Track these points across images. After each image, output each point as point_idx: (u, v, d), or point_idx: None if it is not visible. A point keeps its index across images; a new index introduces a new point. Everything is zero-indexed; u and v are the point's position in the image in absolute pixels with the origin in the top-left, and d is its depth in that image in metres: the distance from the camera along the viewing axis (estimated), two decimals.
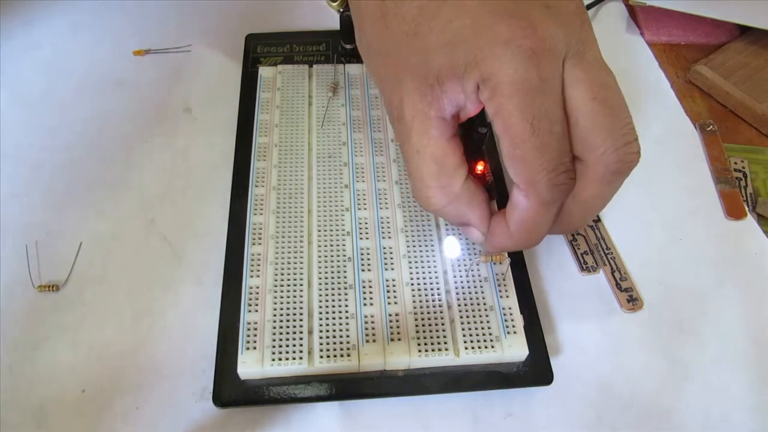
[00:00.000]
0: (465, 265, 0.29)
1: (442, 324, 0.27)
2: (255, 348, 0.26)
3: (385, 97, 0.25)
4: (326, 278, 0.28)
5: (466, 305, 0.27)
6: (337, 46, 0.39)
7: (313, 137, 0.33)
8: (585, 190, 0.22)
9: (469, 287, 0.28)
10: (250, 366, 0.26)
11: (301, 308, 0.27)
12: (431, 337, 0.27)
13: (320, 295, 0.28)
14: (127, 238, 0.31)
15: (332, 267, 0.28)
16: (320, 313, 0.27)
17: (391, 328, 0.27)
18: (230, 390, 0.26)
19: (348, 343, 0.26)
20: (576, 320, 0.30)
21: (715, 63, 0.40)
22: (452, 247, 0.29)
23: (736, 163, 0.36)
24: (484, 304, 0.28)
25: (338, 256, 0.29)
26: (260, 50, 0.38)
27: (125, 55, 0.39)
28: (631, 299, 0.30)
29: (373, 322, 0.27)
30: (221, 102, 0.37)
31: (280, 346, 0.26)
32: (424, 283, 0.28)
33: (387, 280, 0.28)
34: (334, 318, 0.27)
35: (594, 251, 0.32)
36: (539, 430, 0.27)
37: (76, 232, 0.31)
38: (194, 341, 0.28)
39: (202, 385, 0.27)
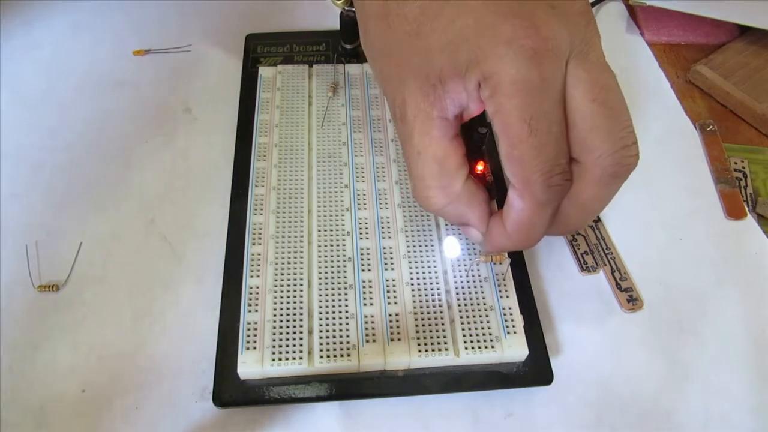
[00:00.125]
0: (465, 265, 0.29)
1: (442, 324, 0.27)
2: (255, 348, 0.26)
3: (388, 96, 0.25)
4: (326, 278, 0.28)
5: (466, 305, 0.27)
6: (337, 46, 0.39)
7: (313, 137, 0.33)
8: (582, 192, 0.22)
9: (469, 287, 0.28)
10: (250, 366, 0.26)
11: (301, 308, 0.27)
12: (431, 337, 0.27)
13: (320, 295, 0.28)
14: (127, 238, 0.31)
15: (332, 267, 0.28)
16: (320, 313, 0.27)
17: (391, 328, 0.27)
18: (230, 390, 0.26)
19: (348, 343, 0.26)
20: (576, 320, 0.30)
21: (715, 63, 0.40)
22: (452, 247, 0.29)
23: (736, 163, 0.36)
24: (484, 304, 0.28)
25: (338, 256, 0.29)
26: (260, 50, 0.38)
27: (125, 55, 0.39)
28: (631, 299, 0.30)
29: (373, 322, 0.27)
30: (221, 102, 0.37)
31: (280, 346, 0.26)
32: (424, 283, 0.28)
33: (387, 280, 0.28)
34: (334, 318, 0.27)
35: (594, 251, 0.32)
36: (539, 430, 0.27)
37: (76, 232, 0.31)
38: (194, 341, 0.28)
39: (202, 385, 0.27)
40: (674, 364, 0.28)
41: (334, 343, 0.26)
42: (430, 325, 0.27)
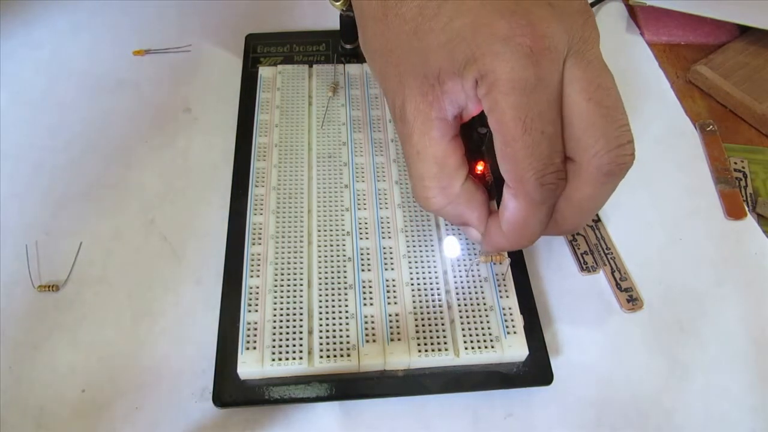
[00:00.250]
0: (465, 265, 0.29)
1: (442, 324, 0.27)
2: (255, 348, 0.26)
3: (388, 97, 0.25)
4: (326, 278, 0.28)
5: (466, 305, 0.27)
6: (337, 46, 0.39)
7: (313, 137, 0.33)
8: (578, 191, 0.22)
9: (469, 287, 0.28)
10: (250, 366, 0.26)
11: (301, 308, 0.27)
12: (431, 337, 0.27)
13: (320, 295, 0.28)
14: (127, 238, 0.31)
15: (332, 267, 0.28)
16: (320, 313, 0.27)
17: (391, 328, 0.27)
18: (230, 390, 0.26)
19: (348, 343, 0.26)
20: (576, 320, 0.30)
21: (715, 63, 0.40)
22: (452, 247, 0.29)
23: (736, 163, 0.36)
24: (484, 304, 0.28)
25: (338, 256, 0.29)
26: (260, 50, 0.38)
27: (125, 55, 0.39)
28: (631, 299, 0.30)
29: (373, 322, 0.27)
30: (221, 102, 0.37)
31: (280, 346, 0.26)
32: (424, 283, 0.28)
33: (387, 280, 0.28)
34: (334, 318, 0.27)
35: (594, 251, 0.32)
36: (539, 430, 0.27)
37: (76, 232, 0.31)
38: (194, 341, 0.28)
39: (202, 385, 0.27)
40: (674, 364, 0.28)
41: (334, 343, 0.26)
42: (430, 325, 0.27)
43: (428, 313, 0.27)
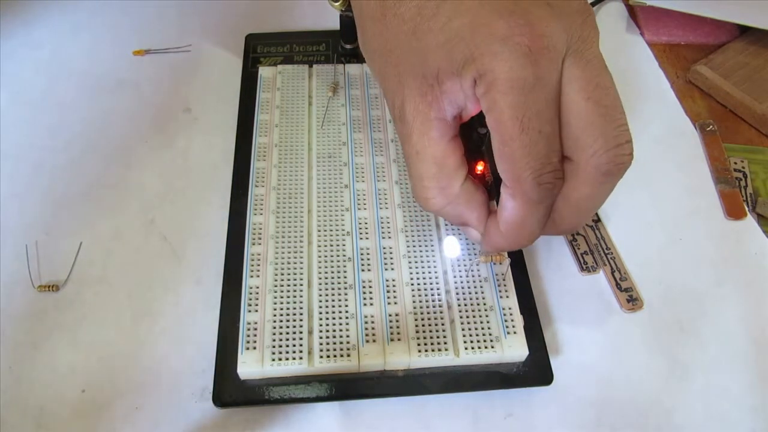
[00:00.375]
0: (465, 265, 0.29)
1: (442, 324, 0.27)
2: (255, 348, 0.26)
3: (387, 97, 0.25)
4: (326, 278, 0.28)
5: (466, 305, 0.27)
6: (337, 46, 0.39)
7: (313, 137, 0.33)
8: (576, 191, 0.22)
9: (469, 287, 0.28)
10: (250, 366, 0.26)
11: (301, 308, 0.27)
12: (431, 337, 0.27)
13: (320, 295, 0.28)
14: (127, 238, 0.31)
15: (332, 267, 0.28)
16: (320, 313, 0.27)
17: (391, 328, 0.27)
18: (230, 390, 0.26)
19: (348, 343, 0.26)
20: (576, 320, 0.30)
21: (715, 63, 0.40)
22: (452, 247, 0.29)
23: (736, 163, 0.36)
24: (484, 304, 0.28)
25: (338, 256, 0.29)
26: (260, 50, 0.38)
27: (125, 55, 0.39)
28: (631, 299, 0.30)
29: (373, 322, 0.27)
30: (221, 102, 0.37)
31: (280, 346, 0.26)
32: (424, 283, 0.28)
33: (387, 280, 0.28)
34: (334, 318, 0.27)
35: (594, 251, 0.32)
36: (539, 430, 0.27)
37: (76, 232, 0.31)
38: (194, 341, 0.28)
39: (202, 385, 0.27)
40: (674, 364, 0.28)
41: (334, 343, 0.26)
42: (430, 325, 0.27)
43: (428, 313, 0.27)
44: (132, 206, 0.33)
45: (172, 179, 0.34)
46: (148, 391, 0.27)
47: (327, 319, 0.27)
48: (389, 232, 0.30)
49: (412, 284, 0.28)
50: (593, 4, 0.44)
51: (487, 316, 0.27)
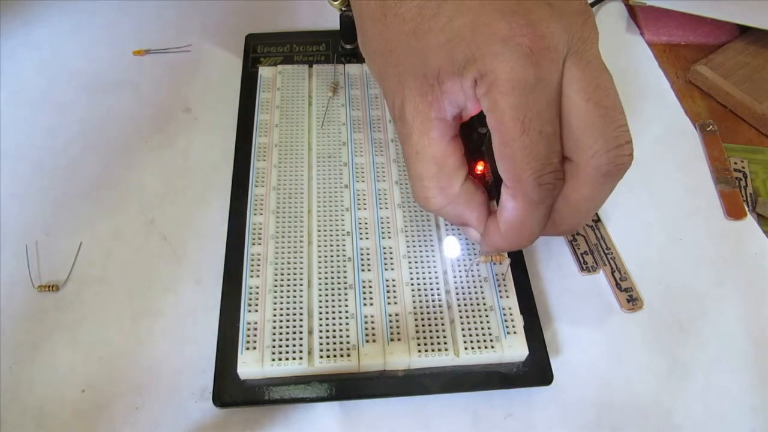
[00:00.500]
0: (465, 265, 0.29)
1: (442, 324, 0.27)
2: (255, 348, 0.26)
3: (387, 97, 0.25)
4: (326, 278, 0.28)
5: (466, 305, 0.27)
6: (337, 46, 0.39)
7: (313, 137, 0.33)
8: (576, 192, 0.22)
9: (469, 287, 0.28)
10: (250, 366, 0.26)
11: (301, 308, 0.27)
12: (431, 337, 0.27)
13: (320, 295, 0.28)
14: (127, 238, 0.31)
15: (332, 267, 0.28)
16: (320, 313, 0.27)
17: (391, 328, 0.27)
18: (230, 390, 0.26)
19: (348, 343, 0.26)
20: (576, 320, 0.30)
21: (715, 63, 0.40)
22: (452, 247, 0.29)
23: (736, 163, 0.36)
24: (484, 304, 0.28)
25: (338, 256, 0.29)
26: (260, 50, 0.38)
27: (125, 55, 0.39)
28: (631, 299, 0.30)
29: (373, 322, 0.27)
30: (221, 102, 0.37)
31: (280, 346, 0.26)
32: (424, 283, 0.28)
33: (387, 280, 0.28)
34: (334, 318, 0.27)
35: (594, 251, 0.32)
36: (539, 430, 0.27)
37: (76, 232, 0.31)
38: (194, 341, 0.28)
39: (202, 385, 0.27)
40: (674, 364, 0.28)
41: (334, 343, 0.26)
42: (430, 325, 0.27)
43: (428, 313, 0.27)
44: (132, 206, 0.33)
45: (172, 179, 0.34)
46: (148, 391, 0.27)
47: (327, 319, 0.27)
48: (389, 232, 0.30)
49: (412, 284, 0.28)
50: (593, 4, 0.44)
51: (487, 316, 0.27)
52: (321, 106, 0.35)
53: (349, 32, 0.37)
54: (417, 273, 0.28)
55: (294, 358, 0.26)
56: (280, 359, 0.26)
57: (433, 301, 0.28)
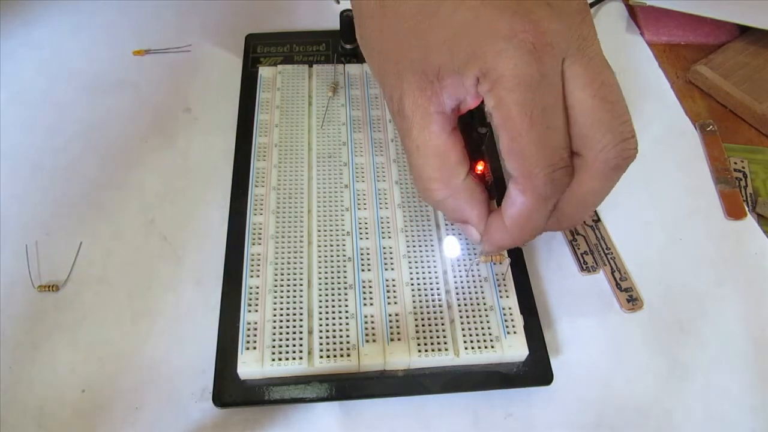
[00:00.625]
0: (465, 265, 0.29)
1: (442, 324, 0.27)
2: (255, 348, 0.26)
3: (386, 92, 0.25)
4: (326, 278, 0.28)
5: (466, 305, 0.27)
6: (337, 46, 0.39)
7: (313, 137, 0.33)
8: (582, 185, 0.22)
9: (469, 287, 0.28)
10: (250, 366, 0.26)
11: (301, 308, 0.27)
12: (431, 337, 0.27)
13: (320, 295, 0.28)
14: (127, 238, 0.31)
15: (332, 267, 0.28)
16: (320, 313, 0.27)
17: (391, 328, 0.27)
18: (230, 390, 0.26)
19: (348, 343, 0.26)
20: (576, 320, 0.30)
21: (715, 63, 0.40)
22: (452, 247, 0.29)
23: (736, 163, 0.35)
24: (484, 304, 0.28)
25: (338, 256, 0.29)
26: (260, 50, 0.38)
27: (125, 55, 0.39)
28: (631, 299, 0.30)
29: (373, 322, 0.27)
30: (221, 102, 0.37)
31: (280, 346, 0.26)
32: (424, 283, 0.28)
33: (387, 280, 0.28)
34: (334, 318, 0.27)
35: (594, 251, 0.32)
36: (539, 430, 0.27)
37: (76, 232, 0.31)
38: (194, 341, 0.28)
39: (202, 385, 0.27)
40: (674, 364, 0.28)
41: (334, 343, 0.26)
42: (430, 325, 0.27)
43: (428, 313, 0.27)
44: (132, 206, 0.33)
45: (172, 179, 0.34)
46: (148, 391, 0.27)
47: (327, 319, 0.27)
48: (389, 232, 0.30)
49: (412, 284, 0.28)
50: (593, 5, 0.44)
51: (487, 316, 0.27)
52: (321, 106, 0.35)
53: (349, 32, 0.37)
54: (417, 273, 0.28)
55: (294, 358, 0.26)
56: (280, 359, 0.26)
57: (433, 301, 0.28)
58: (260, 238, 0.29)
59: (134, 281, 0.30)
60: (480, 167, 0.26)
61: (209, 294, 0.29)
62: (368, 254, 0.29)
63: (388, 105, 0.25)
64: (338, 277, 0.28)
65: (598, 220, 0.33)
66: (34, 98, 0.37)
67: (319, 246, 0.29)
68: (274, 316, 0.27)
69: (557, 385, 0.27)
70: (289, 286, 0.28)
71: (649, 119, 0.37)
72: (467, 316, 0.27)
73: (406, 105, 0.23)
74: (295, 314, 0.27)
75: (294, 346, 0.26)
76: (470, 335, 0.27)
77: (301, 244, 0.29)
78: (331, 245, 0.29)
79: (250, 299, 0.27)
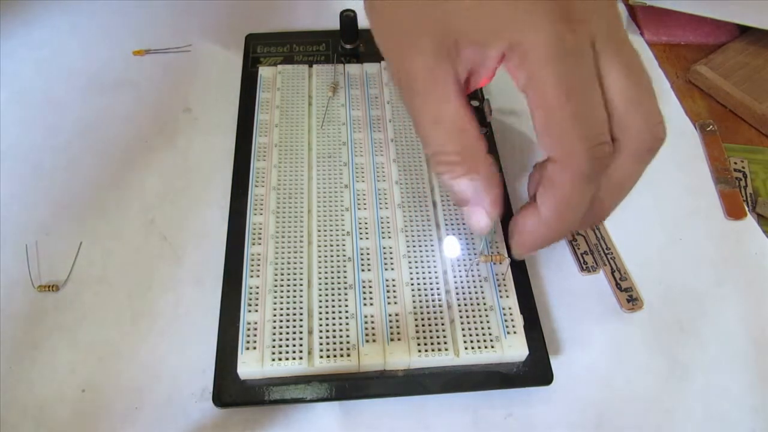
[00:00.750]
0: (465, 265, 0.29)
1: (442, 324, 0.27)
2: (255, 348, 0.26)
3: (394, 63, 0.23)
4: (326, 278, 0.28)
5: (466, 305, 0.27)
6: (337, 46, 0.39)
7: (313, 137, 0.33)
8: (620, 169, 0.22)
9: (469, 287, 0.28)
10: (250, 366, 0.26)
11: (301, 308, 0.27)
12: (431, 337, 0.27)
13: (320, 295, 0.28)
14: (127, 238, 0.31)
15: (332, 267, 0.28)
16: (320, 313, 0.27)
17: (391, 328, 0.27)
18: (230, 390, 0.26)
19: (348, 343, 0.26)
20: (576, 320, 0.30)
21: (715, 63, 0.40)
22: (452, 247, 0.29)
23: (736, 163, 0.36)
24: (484, 304, 0.28)
25: (338, 256, 0.29)
26: (260, 50, 0.38)
27: (125, 55, 0.39)
28: (631, 299, 0.30)
29: (373, 322, 0.27)
30: (221, 102, 0.37)
31: (280, 346, 0.26)
32: (424, 283, 0.28)
33: (387, 280, 0.28)
34: (334, 318, 0.27)
35: (594, 251, 0.32)
36: (539, 430, 0.27)
37: (76, 232, 0.31)
38: (194, 341, 0.28)
39: (202, 385, 0.27)
40: (674, 364, 0.28)
41: (334, 343, 0.26)
42: (430, 325, 0.27)
43: (428, 313, 0.27)
44: (132, 206, 0.33)
45: (172, 179, 0.34)
46: (148, 391, 0.27)
47: (327, 319, 0.27)
48: (389, 232, 0.30)
49: (412, 284, 0.28)
50: None
51: (487, 316, 0.27)
52: (321, 106, 0.35)
53: (349, 32, 0.37)
54: (417, 273, 0.28)
55: (294, 358, 0.26)
56: (280, 359, 0.26)
57: (433, 301, 0.28)
58: (260, 238, 0.29)
59: (134, 281, 0.30)
60: None
61: (209, 294, 0.29)
62: (368, 254, 0.29)
63: (395, 78, 0.23)
64: (338, 277, 0.28)
65: None
66: (33, 98, 0.37)
67: (319, 246, 0.29)
68: (274, 316, 0.27)
69: (557, 385, 0.27)
70: (289, 286, 0.28)
71: None
72: (467, 316, 0.27)
73: (419, 76, 0.21)
74: (295, 314, 0.27)
75: (294, 346, 0.26)
76: (470, 335, 0.27)
77: (301, 244, 0.29)
78: (331, 245, 0.29)
79: (250, 299, 0.27)
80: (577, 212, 0.22)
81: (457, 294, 0.28)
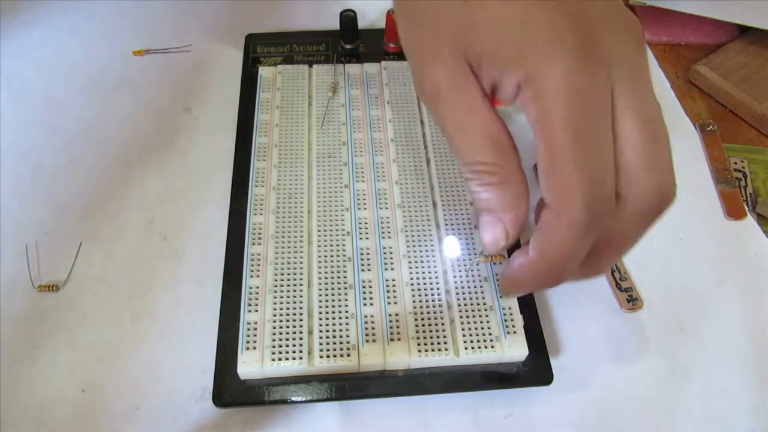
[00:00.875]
0: (465, 265, 0.29)
1: (442, 324, 0.27)
2: (255, 348, 0.26)
3: (417, 70, 0.22)
4: (326, 278, 0.28)
5: (466, 305, 0.27)
6: (337, 46, 0.39)
7: (313, 137, 0.33)
8: (621, 226, 0.20)
9: (469, 287, 0.28)
10: (250, 366, 0.26)
11: (301, 308, 0.27)
12: (431, 337, 0.27)
13: (320, 295, 0.28)
14: (127, 238, 0.31)
15: (332, 267, 0.28)
16: (320, 313, 0.27)
17: (390, 328, 0.27)
18: (230, 390, 0.26)
19: (348, 343, 0.26)
20: (576, 320, 0.30)
21: (715, 63, 0.40)
22: (452, 247, 0.29)
23: (735, 163, 0.36)
24: (484, 304, 0.28)
25: (338, 256, 0.29)
26: (260, 50, 0.38)
27: (125, 55, 0.39)
28: (631, 299, 0.30)
29: (373, 322, 0.27)
30: (221, 102, 0.37)
31: (280, 346, 0.26)
32: (424, 283, 0.28)
33: (387, 280, 0.28)
34: (334, 318, 0.27)
35: None
36: (539, 430, 0.27)
37: (76, 232, 0.31)
38: (194, 341, 0.28)
39: (202, 385, 0.27)
40: (674, 364, 0.28)
41: (334, 343, 0.26)
42: (430, 325, 0.27)
43: (428, 313, 0.27)
44: (132, 206, 0.33)
45: (172, 179, 0.34)
46: (148, 391, 0.27)
47: (327, 319, 0.27)
48: (389, 232, 0.30)
49: (412, 284, 0.28)
50: None
51: (487, 315, 0.27)
52: (321, 106, 0.35)
53: (349, 32, 0.37)
54: (417, 273, 0.28)
55: (294, 358, 0.26)
56: (280, 359, 0.26)
57: (433, 301, 0.28)
58: (260, 238, 0.29)
59: (134, 281, 0.30)
60: None
61: (209, 294, 0.29)
62: (368, 254, 0.29)
63: (422, 90, 0.21)
64: (338, 277, 0.28)
65: None
66: (33, 98, 0.37)
67: (319, 246, 0.29)
68: (274, 316, 0.27)
69: (557, 385, 0.27)
70: (289, 286, 0.28)
71: None
72: (467, 316, 0.27)
73: (443, 85, 0.20)
74: (295, 314, 0.27)
75: (294, 346, 0.26)
76: (470, 335, 0.27)
77: (301, 244, 0.29)
78: (331, 245, 0.29)
79: (250, 299, 0.27)
80: (568, 263, 0.20)
81: (457, 294, 0.28)
